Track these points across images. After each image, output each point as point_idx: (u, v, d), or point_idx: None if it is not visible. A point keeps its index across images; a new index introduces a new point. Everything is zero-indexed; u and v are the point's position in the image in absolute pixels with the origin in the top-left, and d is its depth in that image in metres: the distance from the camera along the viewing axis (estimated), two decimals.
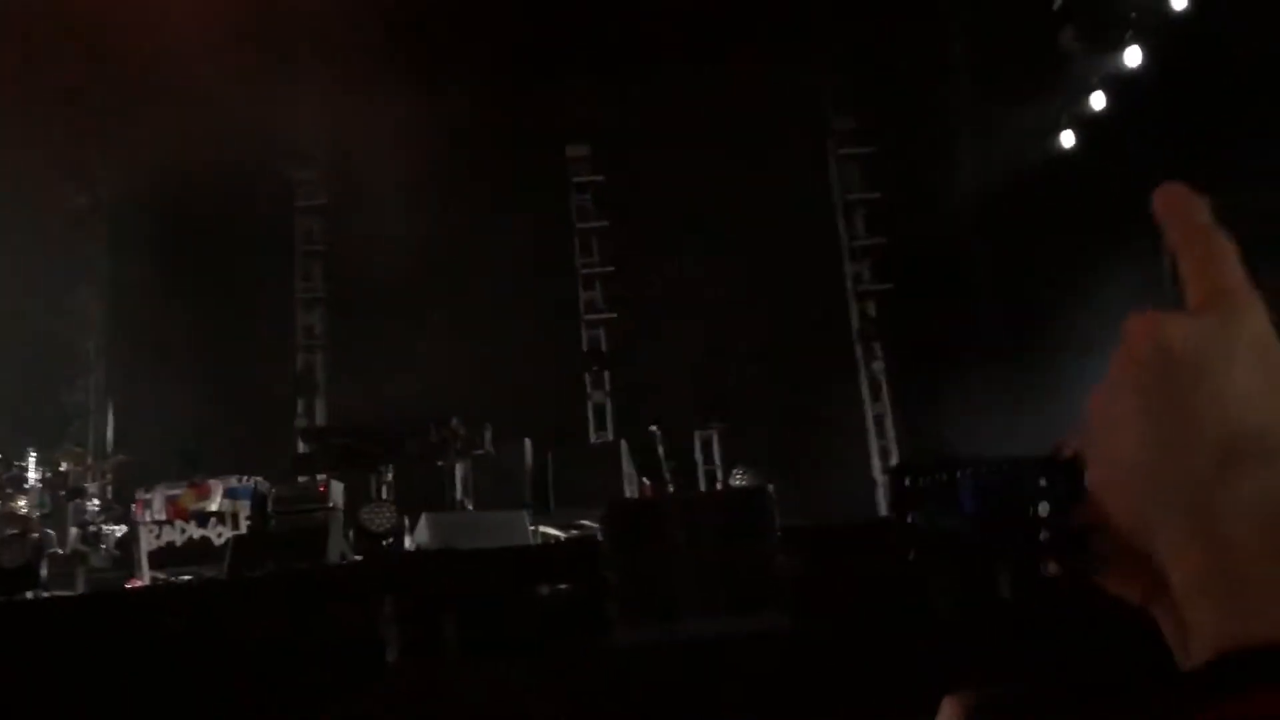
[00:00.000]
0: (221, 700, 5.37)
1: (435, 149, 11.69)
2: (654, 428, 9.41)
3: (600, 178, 13.11)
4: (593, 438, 12.29)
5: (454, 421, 8.48)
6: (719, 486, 9.64)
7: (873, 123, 13.07)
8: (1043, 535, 1.05)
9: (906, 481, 0.99)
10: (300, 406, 12.61)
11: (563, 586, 5.95)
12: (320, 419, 12.53)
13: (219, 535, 8.96)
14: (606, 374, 12.82)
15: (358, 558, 6.92)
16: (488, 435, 9.10)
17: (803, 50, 12.63)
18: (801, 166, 12.79)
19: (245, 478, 9.25)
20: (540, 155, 12.80)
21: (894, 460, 12.51)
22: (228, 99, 11.26)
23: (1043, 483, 1.05)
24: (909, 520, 1.07)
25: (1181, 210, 0.70)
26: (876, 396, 12.77)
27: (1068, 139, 12.15)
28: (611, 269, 12.97)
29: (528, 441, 9.53)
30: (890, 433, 12.62)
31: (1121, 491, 0.67)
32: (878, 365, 12.82)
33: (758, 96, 11.93)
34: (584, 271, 13.11)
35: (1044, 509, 1.05)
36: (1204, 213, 0.70)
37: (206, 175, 10.86)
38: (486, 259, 11.78)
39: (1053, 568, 1.08)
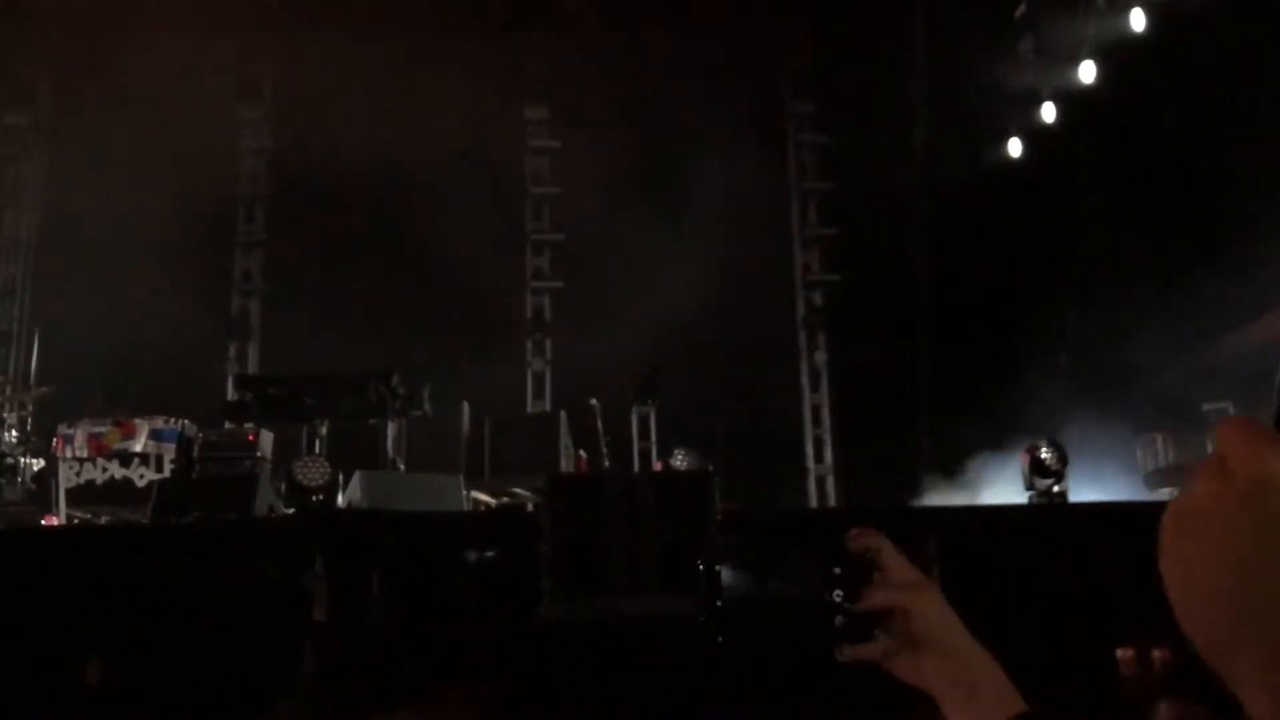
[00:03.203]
0: (138, 649, 5.25)
1: (387, 99, 11.50)
2: (594, 401, 9.37)
3: (557, 143, 12.97)
4: (529, 406, 12.23)
5: (394, 379, 8.35)
6: (654, 465, 9.65)
7: (832, 110, 13.10)
8: (837, 620, 1.09)
9: (716, 568, 1.04)
10: (233, 351, 12.34)
11: (490, 554, 5.90)
12: (252, 366, 12.28)
13: (141, 477, 8.76)
14: (548, 343, 12.74)
15: (288, 511, 6.79)
16: (426, 396, 8.99)
17: (766, 28, 12.64)
18: (759, 149, 12.77)
19: (172, 419, 9.04)
20: (498, 114, 12.61)
21: (828, 451, 12.65)
22: (180, 32, 10.95)
23: (837, 570, 1.10)
24: (719, 605, 1.11)
25: None
26: (815, 386, 12.87)
27: (1015, 147, 12.33)
28: (561, 237, 12.86)
29: (466, 405, 9.45)
30: (826, 422, 12.73)
31: (1205, 611, 0.66)
32: (819, 355, 12.91)
33: (720, 72, 11.91)
34: (534, 237, 12.99)
35: (838, 595, 1.09)
36: None
37: (151, 107, 10.54)
38: (435, 217, 11.60)
39: (845, 652, 1.12)
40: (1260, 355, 11.43)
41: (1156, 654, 5.18)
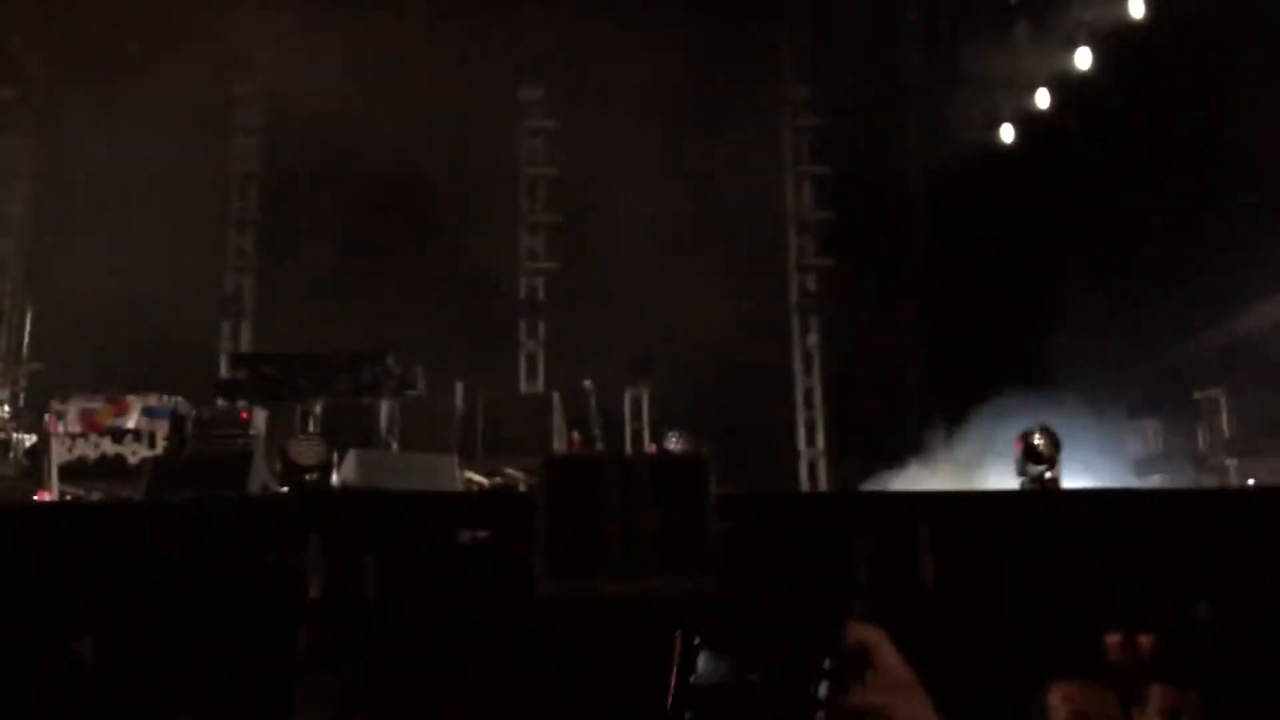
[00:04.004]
0: (131, 627, 5.26)
1: (381, 78, 11.45)
2: (587, 383, 9.39)
3: (552, 123, 12.93)
4: (523, 387, 12.24)
5: (388, 359, 8.35)
6: (648, 446, 9.68)
7: (828, 95, 13.08)
8: (819, 716, 1.08)
9: (695, 640, 1.03)
10: (227, 329, 12.32)
11: (483, 534, 5.91)
12: (246, 344, 12.26)
13: (134, 454, 8.78)
14: (541, 324, 12.74)
15: (281, 490, 6.79)
16: (420, 376, 9.00)
17: (763, 12, 12.61)
18: (756, 132, 12.76)
19: (165, 397, 9.04)
20: (493, 94, 12.56)
21: (819, 435, 12.70)
22: (171, 9, 10.88)
23: (826, 664, 1.08)
24: (691, 681, 1.10)
25: None
26: (808, 370, 12.90)
27: (1008, 133, 12.34)
28: (557, 218, 12.84)
29: (460, 385, 9.46)
30: (818, 406, 12.78)
31: None
32: (812, 339, 12.94)
33: (717, 56, 11.87)
34: (529, 218, 12.97)
35: (823, 689, 1.08)
36: None
37: (143, 83, 10.48)
38: (430, 197, 11.59)
39: None
40: (1250, 344, 11.49)
41: (1144, 639, 5.23)
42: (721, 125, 11.71)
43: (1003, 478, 6.68)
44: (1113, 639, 5.23)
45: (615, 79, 11.72)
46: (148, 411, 8.96)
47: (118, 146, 10.65)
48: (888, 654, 1.15)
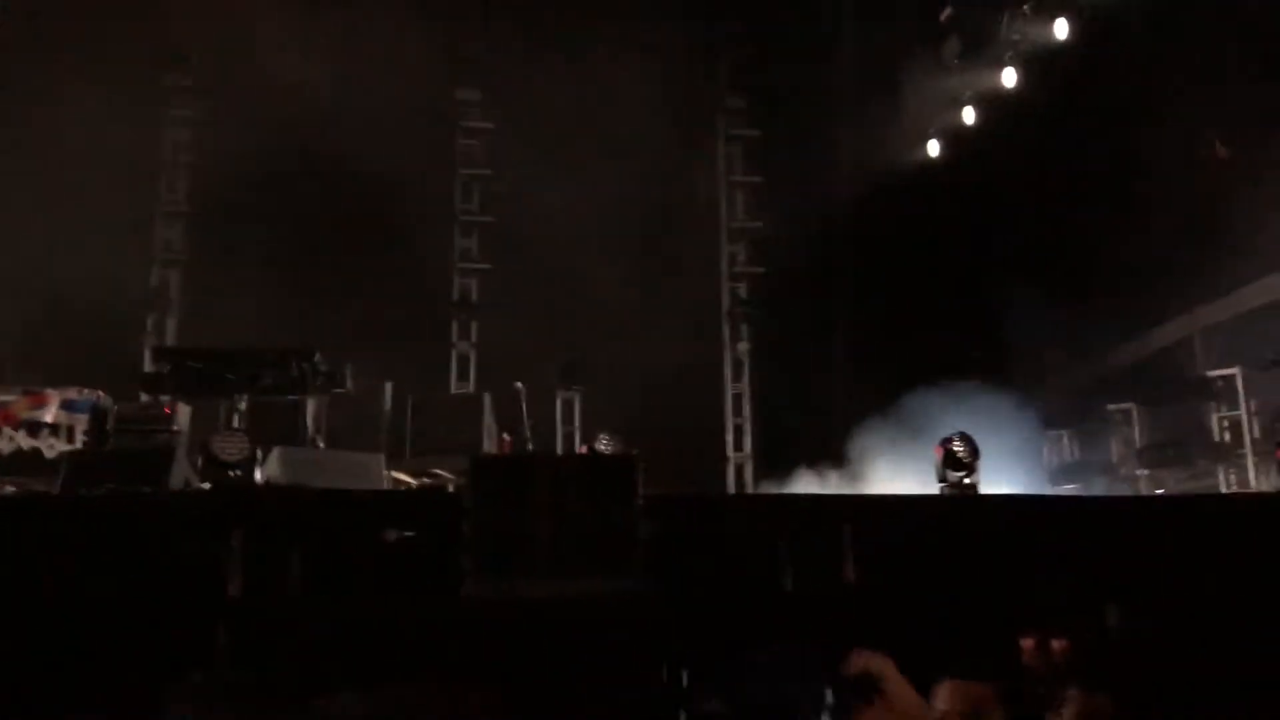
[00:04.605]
0: (44, 623, 5.15)
1: (317, 72, 11.33)
2: (518, 384, 9.38)
3: (489, 125, 12.91)
4: (454, 388, 12.19)
5: (316, 356, 8.26)
6: (579, 448, 9.69)
7: (762, 106, 13.26)
8: None
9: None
10: (151, 322, 12.08)
11: (410, 534, 5.89)
12: (171, 338, 12.03)
13: (51, 448, 8.55)
14: (474, 324, 12.70)
15: (203, 486, 6.69)
16: (348, 374, 8.90)
17: (700, 22, 12.73)
18: (690, 141, 12.88)
19: (86, 390, 8.82)
20: (428, 94, 12.49)
21: (747, 440, 12.84)
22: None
23: (829, 698, 1.15)
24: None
25: None
26: (738, 376, 13.04)
27: (934, 148, 12.61)
28: (490, 219, 12.81)
29: (389, 385, 9.39)
30: (746, 412, 12.93)
31: None
32: (742, 346, 13.08)
33: (654, 63, 11.94)
34: (463, 218, 12.92)
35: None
36: None
37: (72, 71, 10.27)
38: (363, 194, 11.49)
39: None
40: (1161, 360, 11.88)
41: (1057, 643, 5.38)
42: (657, 133, 11.78)
43: (923, 483, 6.82)
44: (1027, 642, 5.39)
45: (552, 83, 11.74)
46: (67, 405, 8.72)
47: (41, 133, 10.42)
48: (897, 681, 1.20)
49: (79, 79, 10.36)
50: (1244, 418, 10.11)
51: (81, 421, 8.58)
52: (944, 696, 2.94)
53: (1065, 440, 11.55)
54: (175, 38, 12.18)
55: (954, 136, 12.44)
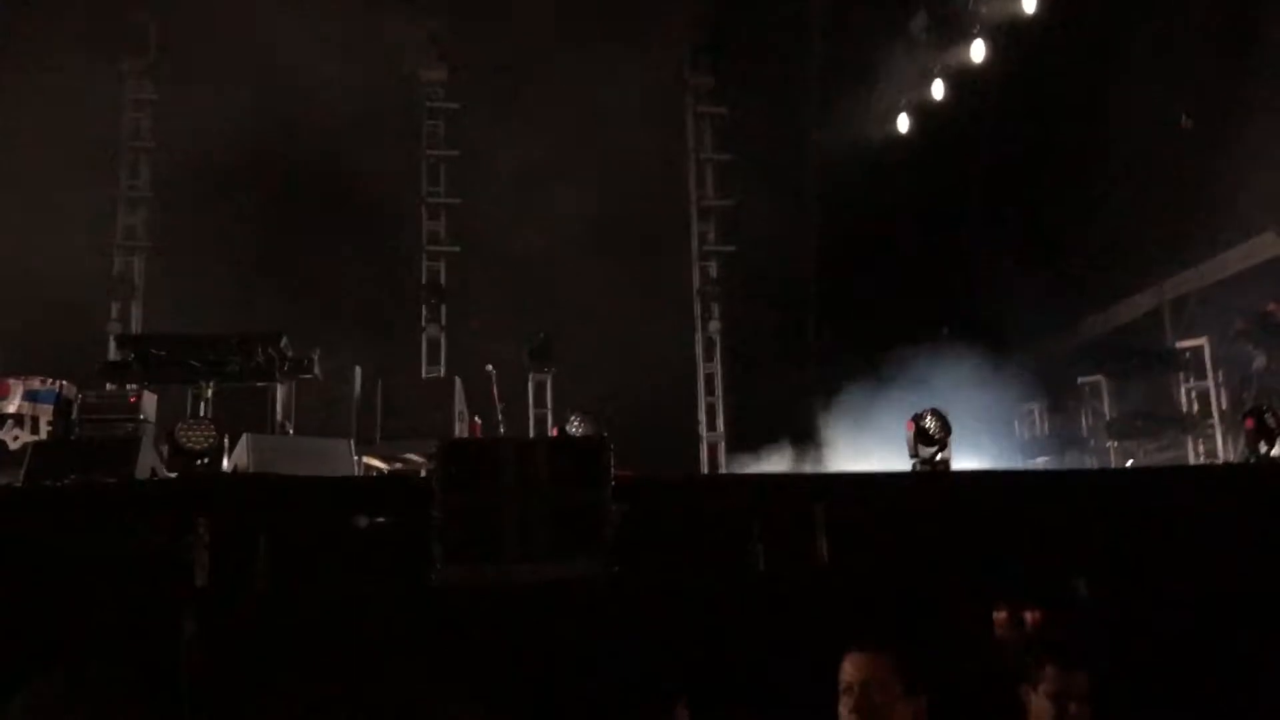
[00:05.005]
0: (11, 615, 5.07)
1: (279, 54, 11.16)
2: (490, 368, 9.31)
3: (456, 105, 12.78)
4: (424, 372, 12.10)
5: (283, 342, 8.15)
6: (550, 430, 9.64)
7: (730, 83, 13.20)
8: None
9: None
10: (115, 310, 11.92)
11: (381, 520, 5.84)
12: (136, 326, 11.88)
13: (15, 439, 8.42)
14: (443, 308, 12.60)
15: (170, 475, 6.60)
16: (316, 359, 8.81)
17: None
18: (659, 119, 12.80)
19: (49, 380, 8.68)
20: (393, 76, 12.37)
21: (720, 420, 12.83)
22: None
23: None
24: None
25: None
26: (710, 356, 13.02)
27: (904, 123, 12.62)
28: (458, 201, 12.71)
29: (358, 369, 9.32)
30: (719, 391, 12.91)
31: None
32: (714, 325, 13.06)
33: (621, 42, 11.85)
34: (429, 200, 12.81)
35: None
36: None
37: (30, 56, 10.08)
38: (328, 177, 11.36)
39: None
40: (1130, 332, 11.96)
41: (1030, 615, 5.40)
42: (624, 111, 11.70)
43: (895, 459, 6.83)
44: (1000, 614, 5.41)
45: (517, 62, 11.64)
46: (30, 395, 8.58)
47: (9, 124, 10.24)
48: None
49: (34, 64, 10.18)
50: (1212, 389, 10.19)
51: (46, 412, 8.45)
52: (846, 668, 2.95)
53: (1036, 413, 11.63)
54: (133, 20, 11.98)
55: (923, 111, 12.45)
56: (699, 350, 13.05)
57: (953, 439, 6.44)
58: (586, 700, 4.72)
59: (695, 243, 13.27)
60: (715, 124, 13.44)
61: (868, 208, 11.78)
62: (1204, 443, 10.16)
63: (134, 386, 8.47)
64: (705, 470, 12.18)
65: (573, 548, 5.09)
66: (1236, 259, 10.68)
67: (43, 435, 8.24)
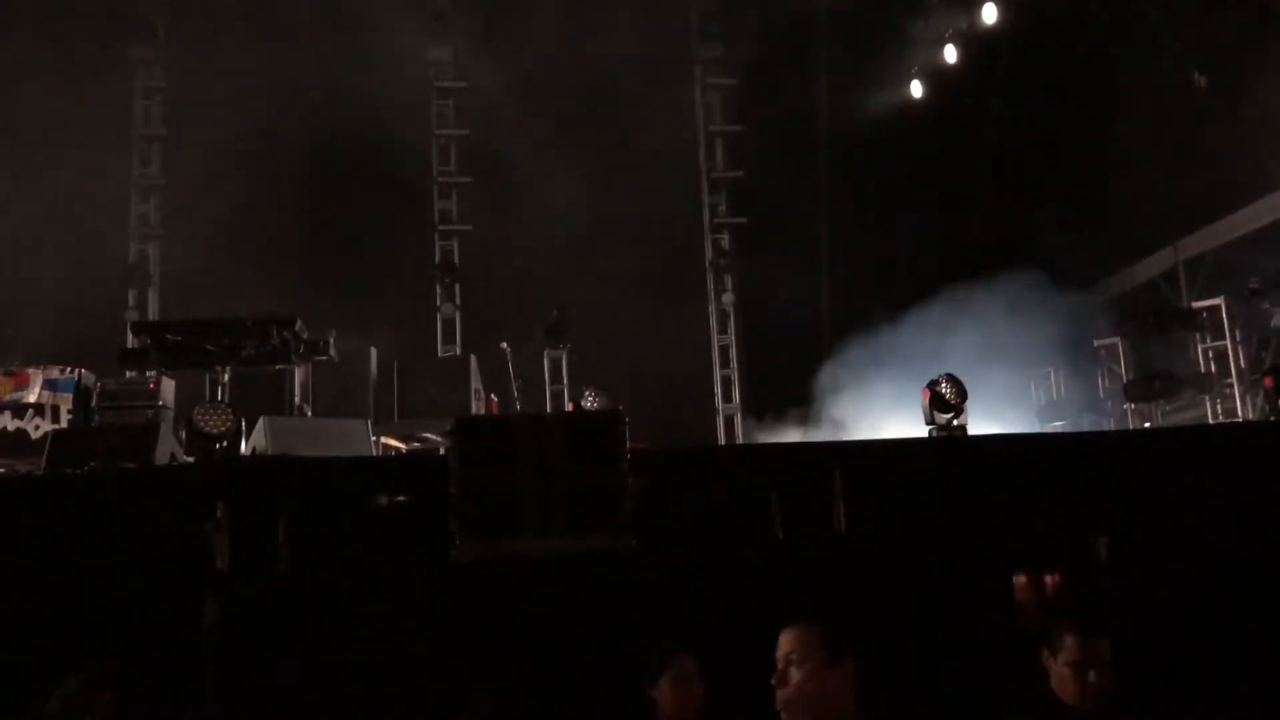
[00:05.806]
0: (35, 604, 5.12)
1: (287, 37, 11.15)
2: (504, 345, 9.32)
3: (463, 84, 12.75)
4: (440, 350, 12.13)
5: (298, 324, 8.17)
6: (567, 406, 9.64)
7: (739, 54, 13.10)
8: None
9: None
10: (131, 298, 11.98)
11: (401, 499, 5.86)
12: (153, 312, 11.94)
13: (36, 428, 8.49)
14: (457, 287, 12.61)
15: (189, 460, 6.64)
16: (332, 341, 8.84)
17: None
18: (668, 91, 12.73)
19: (68, 369, 8.75)
20: (402, 54, 12.31)
21: (735, 391, 12.82)
22: None
23: None
24: None
25: None
26: (724, 328, 13.00)
27: (917, 89, 12.50)
28: (470, 180, 12.69)
29: (374, 350, 9.34)
30: (734, 363, 12.90)
31: None
32: (727, 297, 13.02)
33: (629, 14, 11.78)
34: (440, 180, 12.80)
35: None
36: None
37: (42, 45, 10.10)
38: (339, 159, 11.37)
39: None
40: (1146, 292, 11.87)
41: (1049, 579, 5.39)
42: (633, 83, 11.63)
43: (911, 426, 6.81)
44: (1019, 579, 5.40)
45: (523, 37, 11.58)
46: (50, 384, 8.66)
47: (15, 110, 10.26)
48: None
49: (46, 51, 10.20)
50: (1229, 348, 10.11)
51: (66, 400, 8.53)
52: (780, 642, 2.96)
53: (1052, 377, 11.57)
54: (141, 8, 11.99)
55: (936, 75, 12.33)
56: (713, 322, 13.03)
57: (969, 405, 6.42)
58: (607, 675, 4.74)
59: (707, 214, 13.22)
60: (725, 95, 13.35)
61: (880, 175, 11.70)
62: (1222, 403, 10.09)
63: (152, 373, 8.52)
64: (722, 442, 12.18)
65: (590, 522, 5.10)
66: (1251, 217, 10.57)
67: (63, 423, 8.30)
